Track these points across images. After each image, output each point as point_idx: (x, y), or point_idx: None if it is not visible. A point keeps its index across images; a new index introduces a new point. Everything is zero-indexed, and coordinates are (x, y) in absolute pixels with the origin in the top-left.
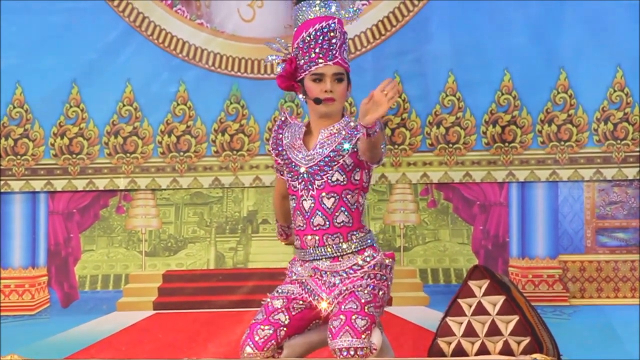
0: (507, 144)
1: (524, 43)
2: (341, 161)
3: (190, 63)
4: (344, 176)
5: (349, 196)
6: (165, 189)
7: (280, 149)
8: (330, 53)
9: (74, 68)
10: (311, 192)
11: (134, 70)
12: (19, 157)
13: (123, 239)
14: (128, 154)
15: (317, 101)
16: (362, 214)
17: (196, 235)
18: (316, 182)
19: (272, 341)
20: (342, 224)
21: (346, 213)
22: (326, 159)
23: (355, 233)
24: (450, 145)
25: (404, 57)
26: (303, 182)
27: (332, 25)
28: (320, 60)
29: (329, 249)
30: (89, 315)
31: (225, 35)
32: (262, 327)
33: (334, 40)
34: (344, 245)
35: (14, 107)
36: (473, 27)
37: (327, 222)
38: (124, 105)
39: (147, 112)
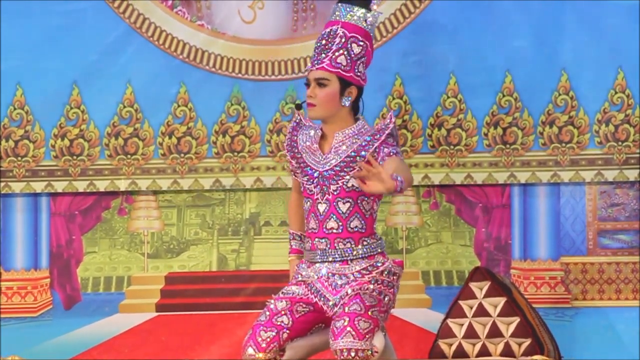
0: (508, 146)
1: (526, 45)
2: (357, 167)
3: (191, 64)
4: (359, 182)
5: (364, 202)
6: (165, 191)
7: (295, 150)
8: (319, 58)
9: (74, 69)
10: (327, 196)
11: (135, 72)
12: (19, 158)
13: (125, 241)
14: (129, 156)
15: (297, 106)
16: (375, 221)
17: (198, 237)
18: (332, 186)
19: (275, 343)
20: (355, 229)
21: (360, 219)
22: (342, 164)
23: (367, 239)
24: (452, 147)
25: (406, 59)
26: (319, 186)
27: (335, 30)
28: (309, 66)
29: (339, 252)
30: (91, 317)
31: (226, 37)
32: (264, 328)
33: (328, 46)
34: (355, 250)
35: (15, 109)
36: (474, 29)
37: (341, 227)
38: (124, 107)
39: (148, 114)
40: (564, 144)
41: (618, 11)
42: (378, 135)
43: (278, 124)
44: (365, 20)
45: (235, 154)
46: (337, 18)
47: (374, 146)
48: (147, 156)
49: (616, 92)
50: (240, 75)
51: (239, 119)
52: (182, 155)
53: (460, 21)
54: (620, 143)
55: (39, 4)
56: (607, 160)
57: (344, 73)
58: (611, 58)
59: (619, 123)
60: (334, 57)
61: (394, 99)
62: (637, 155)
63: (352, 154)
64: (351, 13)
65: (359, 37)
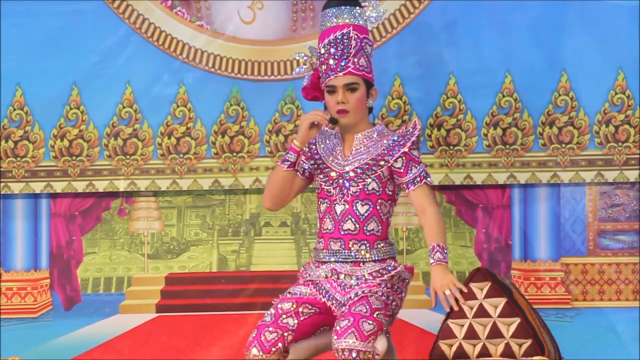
0: (508, 146)
1: (526, 45)
2: (379, 171)
3: (190, 65)
4: (379, 186)
5: (382, 206)
6: (165, 191)
7: (314, 151)
8: (341, 64)
9: (74, 70)
10: (345, 197)
11: (134, 72)
12: (19, 159)
13: (125, 242)
14: (128, 156)
15: (333, 121)
16: (390, 225)
17: (199, 238)
18: (352, 188)
19: (279, 345)
20: (371, 232)
21: (377, 222)
22: (364, 167)
23: (381, 242)
24: (451, 147)
25: (405, 59)
26: (338, 187)
27: (347, 33)
28: (332, 72)
29: (352, 254)
30: (91, 318)
31: (226, 37)
32: (269, 329)
33: (346, 50)
34: (368, 253)
35: (14, 109)
36: (474, 29)
37: (357, 229)
38: (123, 107)
39: (147, 114)
40: (564, 145)
41: (618, 11)
42: (403, 142)
43: (277, 124)
44: (368, 19)
45: (234, 154)
46: (341, 22)
47: (400, 152)
48: (146, 156)
49: (616, 93)
50: (239, 75)
51: (238, 119)
52: (181, 155)
53: (460, 21)
54: (620, 144)
55: (39, 4)
56: (607, 161)
57: (367, 74)
58: (611, 59)
59: (619, 124)
60: (355, 60)
61: (393, 99)
62: (638, 156)
63: (377, 157)
64: (354, 15)
65: (367, 36)
